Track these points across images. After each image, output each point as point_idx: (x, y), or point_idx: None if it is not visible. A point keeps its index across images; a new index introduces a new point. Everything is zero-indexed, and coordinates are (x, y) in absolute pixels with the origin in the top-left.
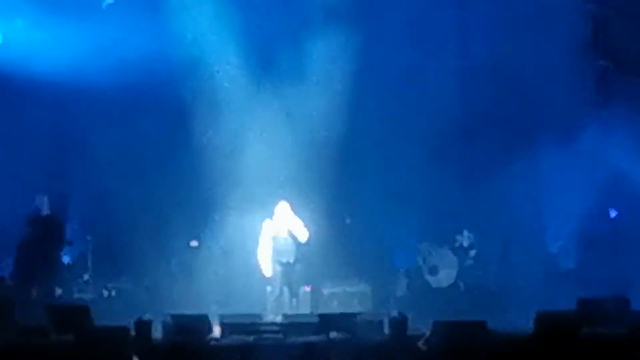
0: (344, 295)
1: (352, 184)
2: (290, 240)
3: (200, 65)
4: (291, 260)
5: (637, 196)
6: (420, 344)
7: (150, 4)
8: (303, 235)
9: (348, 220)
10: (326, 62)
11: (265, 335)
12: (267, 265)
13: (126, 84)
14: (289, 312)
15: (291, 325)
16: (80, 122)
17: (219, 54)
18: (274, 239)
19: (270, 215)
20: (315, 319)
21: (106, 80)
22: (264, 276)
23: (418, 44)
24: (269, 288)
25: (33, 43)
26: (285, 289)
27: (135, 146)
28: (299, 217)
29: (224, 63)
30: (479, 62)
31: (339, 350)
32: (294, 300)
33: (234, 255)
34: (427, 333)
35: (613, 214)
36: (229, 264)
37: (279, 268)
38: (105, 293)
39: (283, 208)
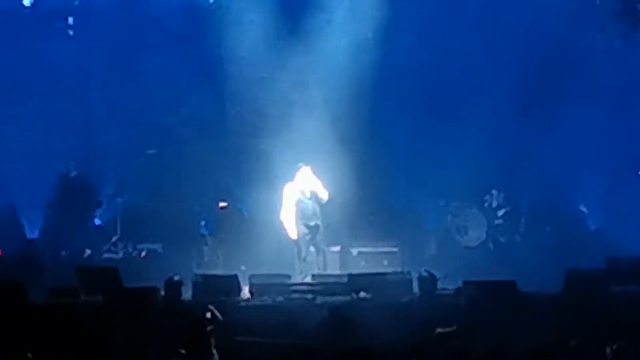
0: (373, 255)
1: (381, 143)
2: (314, 202)
3: (228, 22)
4: (318, 222)
5: None
6: None
7: None
8: (324, 195)
9: None
10: (354, 17)
11: (295, 295)
12: (292, 228)
13: (155, 42)
14: (318, 273)
15: (320, 285)
16: (108, 84)
17: (246, 8)
18: (299, 202)
19: (292, 178)
20: (345, 279)
21: (133, 36)
22: (290, 238)
23: None
24: (297, 249)
25: None
26: (312, 249)
27: (165, 109)
28: (320, 178)
29: (251, 20)
30: (507, 19)
31: (368, 310)
32: (321, 259)
33: (262, 217)
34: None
35: None
36: (258, 226)
37: (305, 230)
38: (135, 254)
39: (304, 171)
